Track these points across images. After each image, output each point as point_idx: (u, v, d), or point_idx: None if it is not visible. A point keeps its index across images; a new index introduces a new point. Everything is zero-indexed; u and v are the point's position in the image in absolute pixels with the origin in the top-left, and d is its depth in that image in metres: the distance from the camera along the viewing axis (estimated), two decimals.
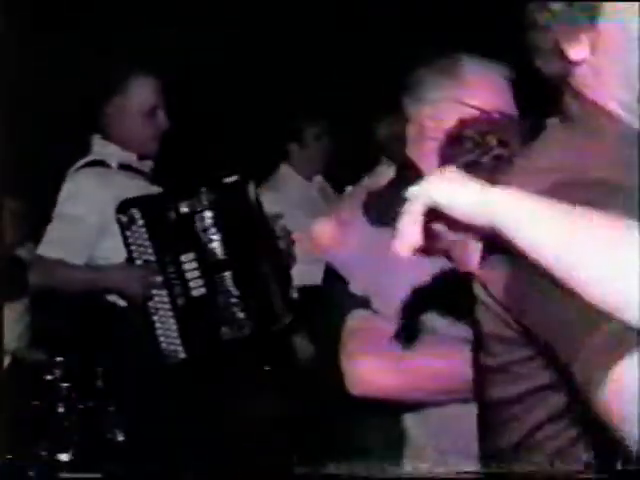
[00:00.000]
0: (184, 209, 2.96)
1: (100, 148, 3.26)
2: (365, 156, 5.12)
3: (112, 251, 3.11)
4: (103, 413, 3.04)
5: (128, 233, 3.01)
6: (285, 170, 4.27)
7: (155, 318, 3.05)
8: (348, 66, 5.81)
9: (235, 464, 3.39)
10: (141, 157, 3.29)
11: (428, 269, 1.86)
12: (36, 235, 4.34)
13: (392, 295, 1.91)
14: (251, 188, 3.09)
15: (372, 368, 1.95)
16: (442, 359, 1.89)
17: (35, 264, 3.22)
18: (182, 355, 3.04)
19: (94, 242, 3.13)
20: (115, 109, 3.24)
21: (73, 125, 3.42)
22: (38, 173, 3.96)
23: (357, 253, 2.01)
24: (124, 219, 2.99)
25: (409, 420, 1.85)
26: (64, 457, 2.97)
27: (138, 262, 3.04)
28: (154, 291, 3.03)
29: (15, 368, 3.43)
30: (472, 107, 2.11)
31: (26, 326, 4.21)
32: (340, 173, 4.44)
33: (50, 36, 4.93)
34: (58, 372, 3.08)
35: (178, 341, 3.03)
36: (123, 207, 3.00)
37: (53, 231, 3.18)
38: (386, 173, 4.99)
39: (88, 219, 3.12)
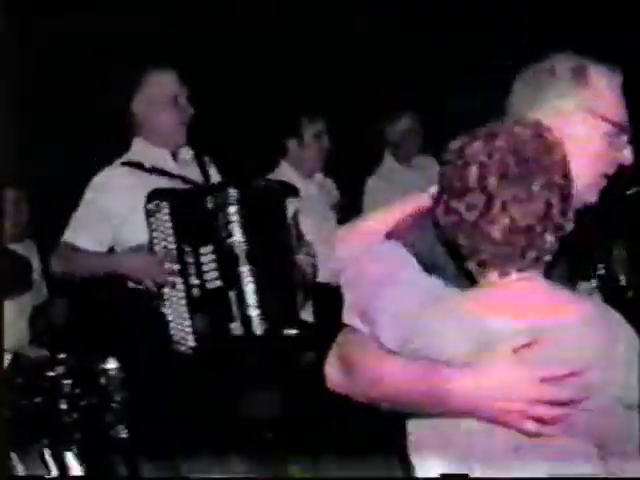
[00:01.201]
0: (210, 204, 3.06)
1: (137, 147, 3.36)
2: (367, 154, 5.14)
3: (133, 237, 3.18)
4: (106, 410, 3.02)
5: (152, 220, 3.09)
6: (284, 167, 4.27)
7: (167, 304, 3.09)
8: (350, 65, 5.83)
9: (237, 462, 3.38)
10: (174, 153, 3.38)
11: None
12: (35, 232, 4.37)
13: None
14: (279, 194, 3.25)
15: (328, 363, 1.90)
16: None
17: (59, 250, 3.28)
18: (191, 344, 3.07)
19: (116, 231, 3.21)
20: (140, 105, 3.34)
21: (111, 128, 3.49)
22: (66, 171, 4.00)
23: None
24: (151, 206, 3.08)
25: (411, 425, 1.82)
26: (67, 454, 2.96)
27: (157, 248, 3.10)
28: (170, 278, 3.08)
29: (17, 365, 3.42)
30: (604, 119, 1.87)
31: (27, 322, 4.22)
32: (341, 171, 4.44)
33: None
34: (60, 369, 3.07)
35: (189, 329, 3.07)
36: (153, 196, 3.10)
37: (79, 219, 3.25)
38: (391, 171, 5.05)
39: (112, 211, 3.19)
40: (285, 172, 4.22)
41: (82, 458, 2.96)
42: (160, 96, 3.32)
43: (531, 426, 1.60)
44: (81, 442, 2.97)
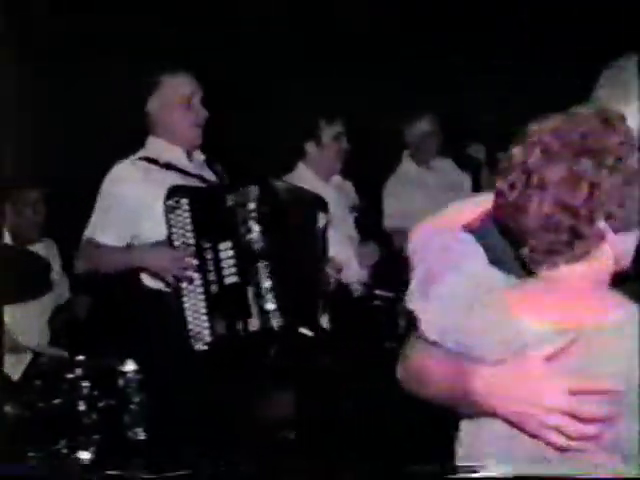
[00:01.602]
0: (230, 202, 3.12)
1: (152, 145, 3.41)
2: (384, 157, 5.14)
3: (152, 233, 3.22)
4: (124, 411, 3.04)
5: (172, 216, 3.13)
6: (302, 169, 4.26)
7: (186, 299, 3.13)
8: (371, 67, 5.82)
9: (253, 463, 3.39)
10: (188, 153, 3.42)
11: None
12: (55, 231, 4.40)
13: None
14: (311, 203, 3.34)
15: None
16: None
17: (81, 249, 3.34)
18: (208, 339, 3.09)
19: (135, 226, 3.25)
20: (154, 106, 3.39)
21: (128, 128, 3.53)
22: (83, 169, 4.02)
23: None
24: (171, 202, 3.13)
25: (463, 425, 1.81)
26: (85, 455, 2.98)
27: (176, 243, 3.13)
28: (188, 273, 3.11)
29: (36, 366, 3.44)
30: None
31: (47, 323, 4.25)
32: (359, 174, 4.44)
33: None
34: (79, 370, 3.09)
35: (206, 324, 3.10)
36: (173, 192, 3.14)
37: (98, 214, 3.30)
38: (410, 173, 5.05)
39: (129, 204, 3.23)
40: (303, 174, 4.23)
41: (100, 460, 2.98)
42: (174, 98, 3.37)
43: (555, 438, 1.56)
44: (99, 444, 2.99)
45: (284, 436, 3.96)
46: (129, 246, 3.28)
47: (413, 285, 1.76)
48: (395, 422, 3.75)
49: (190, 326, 3.11)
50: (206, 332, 3.10)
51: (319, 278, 3.39)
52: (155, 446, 3.01)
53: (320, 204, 3.41)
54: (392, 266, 4.22)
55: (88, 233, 3.30)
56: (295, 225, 3.26)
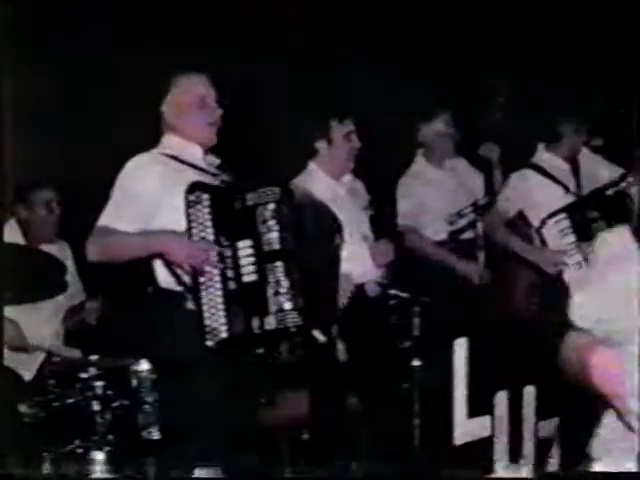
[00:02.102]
0: (250, 201, 3.14)
1: (167, 141, 3.42)
2: (397, 156, 5.13)
3: (166, 226, 3.22)
4: (138, 411, 3.04)
5: (191, 211, 3.15)
6: (313, 169, 4.26)
7: (204, 294, 3.13)
8: (383, 66, 5.81)
9: (268, 460, 3.40)
10: (206, 152, 3.43)
11: None
12: (69, 233, 4.41)
13: None
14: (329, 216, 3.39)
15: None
16: None
17: (95, 236, 3.30)
18: (224, 334, 3.10)
19: (149, 217, 3.24)
20: (168, 107, 3.42)
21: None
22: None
23: None
24: (192, 197, 3.15)
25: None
26: (99, 455, 2.99)
27: (195, 239, 3.15)
28: (207, 268, 3.12)
29: (50, 365, 3.45)
30: None
31: (60, 323, 4.26)
32: (371, 173, 4.43)
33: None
34: (93, 370, 3.09)
35: (223, 320, 3.11)
36: (194, 187, 3.16)
37: (113, 203, 3.29)
38: (423, 172, 5.05)
39: (146, 194, 3.23)
40: (314, 173, 4.22)
41: (114, 459, 2.98)
42: (187, 98, 3.39)
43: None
44: (113, 443, 3.00)
45: (299, 436, 3.96)
46: (147, 231, 3.26)
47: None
48: (406, 421, 3.75)
49: (207, 321, 3.11)
50: (223, 328, 3.11)
51: (335, 283, 3.41)
52: (169, 446, 3.02)
53: (336, 222, 3.46)
54: (407, 266, 4.23)
55: (102, 221, 3.28)
56: (313, 229, 3.28)
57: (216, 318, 3.11)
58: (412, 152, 5.02)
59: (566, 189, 4.60)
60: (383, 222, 4.31)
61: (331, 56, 5.74)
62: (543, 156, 4.72)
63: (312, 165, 4.23)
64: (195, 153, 3.40)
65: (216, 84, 3.47)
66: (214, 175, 3.37)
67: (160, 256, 3.22)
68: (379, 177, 4.60)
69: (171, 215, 3.20)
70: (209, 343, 3.09)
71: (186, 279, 3.18)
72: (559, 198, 4.57)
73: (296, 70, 5.64)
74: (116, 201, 3.28)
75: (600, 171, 4.68)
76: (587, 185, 4.63)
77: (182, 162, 3.33)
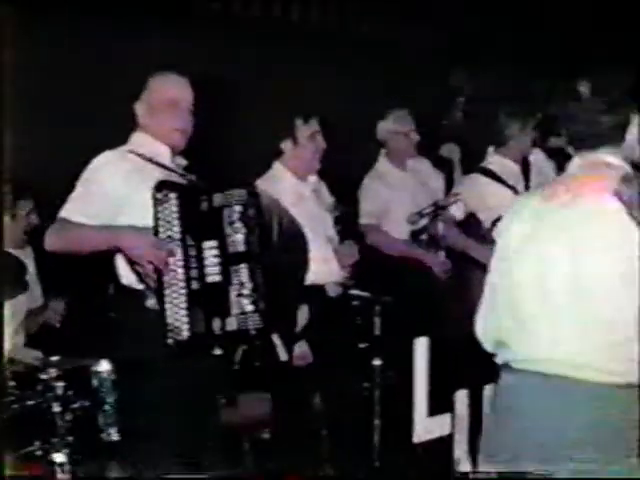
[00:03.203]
0: (216, 202, 3.14)
1: (136, 139, 3.42)
2: (362, 157, 5.15)
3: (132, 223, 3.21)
4: (98, 412, 3.04)
5: (159, 208, 3.14)
6: (278, 168, 4.26)
7: (167, 292, 3.13)
8: (345, 66, 5.84)
9: (231, 463, 3.40)
10: (174, 153, 3.43)
11: None
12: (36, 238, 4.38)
13: None
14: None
15: None
16: None
17: (55, 227, 3.27)
18: (185, 334, 3.10)
19: (114, 213, 3.23)
20: (142, 103, 3.42)
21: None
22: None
23: None
24: (159, 195, 3.14)
25: None
26: (59, 457, 2.98)
27: (162, 237, 3.15)
28: (171, 267, 3.13)
29: (10, 367, 3.43)
30: None
31: (20, 324, 4.23)
32: (336, 174, 4.44)
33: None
34: (53, 371, 3.08)
35: (185, 319, 3.11)
36: (162, 185, 3.17)
37: (77, 196, 3.27)
38: (385, 172, 5.08)
39: (111, 189, 3.22)
40: (279, 173, 4.22)
41: (74, 461, 2.98)
42: (161, 99, 3.39)
43: None
44: (73, 445, 2.99)
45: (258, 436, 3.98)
46: (111, 225, 3.23)
47: None
48: (366, 422, 3.77)
49: (169, 320, 3.11)
50: (184, 327, 3.11)
51: (299, 286, 3.43)
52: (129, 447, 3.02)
53: (301, 232, 3.47)
54: (368, 265, 4.25)
55: (64, 213, 3.25)
56: (278, 232, 3.28)
57: (178, 317, 3.11)
58: (376, 152, 5.05)
59: (514, 191, 4.61)
60: (347, 223, 4.33)
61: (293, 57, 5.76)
62: (492, 159, 4.75)
63: (277, 165, 4.24)
64: (163, 153, 3.39)
65: (195, 88, 3.45)
66: (181, 175, 3.37)
67: (120, 251, 3.21)
68: (343, 178, 4.61)
69: (136, 212, 3.19)
70: (169, 341, 3.09)
71: (149, 278, 3.18)
72: (509, 199, 4.58)
73: (261, 72, 5.66)
74: (80, 195, 3.26)
75: (549, 171, 4.71)
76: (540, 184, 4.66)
77: (150, 161, 3.32)
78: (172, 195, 3.14)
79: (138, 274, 3.20)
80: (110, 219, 3.22)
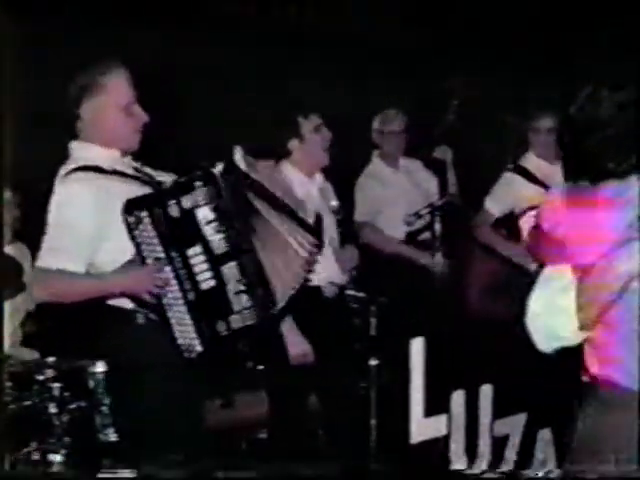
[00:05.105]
0: (186, 204, 3.02)
1: (81, 152, 3.20)
2: (358, 157, 5.16)
3: (115, 252, 3.08)
4: (95, 413, 3.03)
5: (136, 233, 3.04)
6: (285, 166, 4.22)
7: (170, 314, 3.08)
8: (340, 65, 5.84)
9: (229, 463, 3.40)
10: (123, 154, 3.24)
11: None
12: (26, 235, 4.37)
13: None
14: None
15: None
16: None
17: (36, 277, 3.17)
18: (198, 348, 3.07)
19: (93, 247, 3.10)
20: (92, 110, 3.18)
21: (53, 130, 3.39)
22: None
23: None
24: (131, 219, 3.03)
25: None
26: (56, 458, 2.98)
27: (149, 261, 3.06)
28: (166, 287, 3.06)
29: (6, 367, 3.42)
30: None
31: (17, 325, 4.24)
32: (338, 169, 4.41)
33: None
34: (50, 372, 3.08)
35: (194, 335, 3.07)
36: (128, 208, 3.03)
37: (50, 241, 3.09)
38: (378, 172, 5.09)
39: (84, 224, 3.07)
40: (287, 172, 4.18)
41: (71, 461, 2.98)
42: (116, 102, 3.18)
43: None
44: (70, 445, 2.99)
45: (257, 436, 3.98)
46: (99, 275, 3.10)
47: None
48: (364, 421, 3.77)
49: (179, 341, 3.06)
50: (196, 342, 3.06)
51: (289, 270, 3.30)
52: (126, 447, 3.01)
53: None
54: (364, 265, 4.25)
55: (43, 262, 3.08)
56: (240, 201, 3.14)
57: (186, 335, 3.07)
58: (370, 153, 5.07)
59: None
60: (349, 227, 4.32)
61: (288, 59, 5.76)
62: (530, 159, 4.79)
63: (285, 165, 4.18)
64: (114, 158, 3.21)
65: (137, 83, 3.21)
66: (136, 178, 3.21)
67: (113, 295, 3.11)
68: (343, 180, 4.61)
69: (114, 245, 3.07)
70: (187, 357, 3.07)
71: (150, 305, 3.09)
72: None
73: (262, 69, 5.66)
74: (52, 240, 3.08)
75: None
76: None
77: (105, 172, 3.14)
78: (143, 214, 3.01)
79: (138, 302, 3.11)
80: (90, 257, 3.09)
